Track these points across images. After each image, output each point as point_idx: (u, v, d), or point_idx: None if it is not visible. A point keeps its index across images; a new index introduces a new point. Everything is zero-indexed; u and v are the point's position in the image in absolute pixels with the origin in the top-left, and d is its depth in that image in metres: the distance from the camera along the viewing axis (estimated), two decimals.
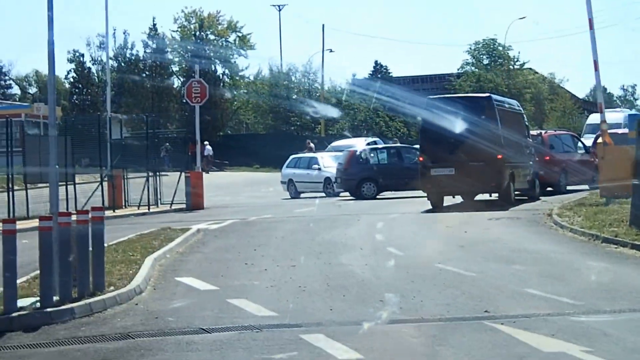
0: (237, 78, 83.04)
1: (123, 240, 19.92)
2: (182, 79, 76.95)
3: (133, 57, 77.73)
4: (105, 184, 33.28)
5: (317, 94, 79.02)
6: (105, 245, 14.85)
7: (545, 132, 34.40)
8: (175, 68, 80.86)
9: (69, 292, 12.78)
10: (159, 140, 39.31)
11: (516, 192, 28.33)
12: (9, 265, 12.26)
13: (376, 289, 13.62)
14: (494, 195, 28.27)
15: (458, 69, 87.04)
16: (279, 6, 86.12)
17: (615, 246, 17.48)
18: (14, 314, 12.02)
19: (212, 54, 79.25)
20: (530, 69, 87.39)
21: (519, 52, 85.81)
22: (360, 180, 35.20)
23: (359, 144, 43.37)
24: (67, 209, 27.28)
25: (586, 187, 31.96)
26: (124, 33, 78.12)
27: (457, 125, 26.43)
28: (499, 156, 26.55)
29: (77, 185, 32.00)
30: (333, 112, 72.15)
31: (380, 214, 26.50)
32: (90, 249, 13.57)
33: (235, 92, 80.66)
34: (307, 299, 13.00)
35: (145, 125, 36.38)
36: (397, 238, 20.15)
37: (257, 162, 67.38)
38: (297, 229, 22.96)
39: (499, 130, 26.76)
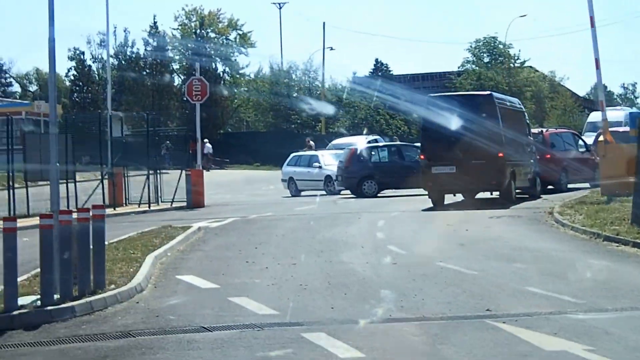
0: (238, 76, 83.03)
1: (124, 238, 19.91)
2: (182, 77, 76.97)
3: (133, 55, 77.74)
4: (105, 181, 33.27)
5: (318, 92, 78.97)
6: (106, 243, 14.82)
7: (547, 130, 34.38)
8: (175, 66, 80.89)
9: (69, 290, 12.76)
10: (160, 138, 39.31)
11: (517, 190, 28.29)
12: (9, 264, 12.24)
13: (377, 287, 13.61)
14: (495, 194, 28.27)
15: (459, 67, 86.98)
16: (279, 4, 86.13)
17: (617, 244, 17.44)
18: (15, 312, 12.01)
19: (212, 52, 79.25)
20: (531, 67, 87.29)
21: (519, 50, 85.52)
22: (361, 178, 35.19)
23: (360, 142, 43.33)
24: (68, 206, 27.25)
25: (587, 185, 31.96)
26: (124, 31, 78.29)
27: (458, 123, 26.42)
28: (500, 154, 26.54)
29: (77, 183, 31.97)
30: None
31: (381, 212, 26.48)
32: (91, 247, 13.55)
33: (235, 90, 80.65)
34: (308, 297, 12.98)
35: (146, 123, 36.35)
36: (398, 236, 20.13)
37: (258, 160, 67.36)
38: (297, 227, 22.94)
39: (500, 128, 26.73)
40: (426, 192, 28.27)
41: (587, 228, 19.31)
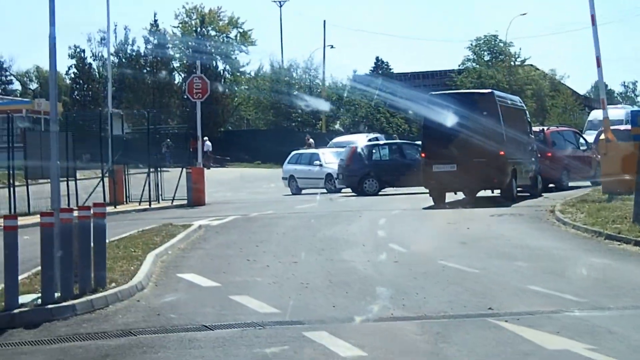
0: (238, 74, 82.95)
1: (124, 237, 19.87)
2: (183, 75, 76.94)
3: (134, 53, 77.68)
4: (106, 179, 33.26)
5: (319, 90, 78.92)
6: (107, 241, 14.78)
7: (548, 129, 34.35)
8: (176, 64, 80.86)
9: (70, 289, 12.72)
10: (160, 136, 39.27)
11: (518, 189, 28.26)
12: (10, 262, 12.21)
13: (379, 285, 13.55)
14: (496, 192, 28.22)
15: (459, 65, 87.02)
16: (279, 2, 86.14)
17: (619, 243, 17.41)
18: (16, 311, 11.97)
19: (213, 50, 79.17)
20: (532, 65, 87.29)
21: (520, 49, 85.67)
22: (362, 177, 35.19)
23: (361, 140, 43.31)
24: (69, 204, 27.28)
25: (588, 183, 31.94)
26: (124, 29, 78.15)
27: (459, 121, 26.39)
28: (501, 152, 26.52)
29: (78, 181, 31.98)
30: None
31: (382, 210, 26.45)
32: (92, 245, 13.52)
33: (236, 88, 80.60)
34: (309, 296, 12.96)
35: (147, 121, 36.32)
36: (399, 234, 20.10)
37: (258, 158, 67.32)
38: (298, 225, 22.91)
39: (501, 126, 26.71)
40: (427, 191, 28.22)
41: (588, 226, 19.28)
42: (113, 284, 13.61)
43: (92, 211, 13.80)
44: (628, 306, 11.74)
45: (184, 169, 33.97)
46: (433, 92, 30.21)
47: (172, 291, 13.88)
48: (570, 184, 32.01)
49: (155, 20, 79.38)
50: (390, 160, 35.95)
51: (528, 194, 29.25)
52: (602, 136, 27.34)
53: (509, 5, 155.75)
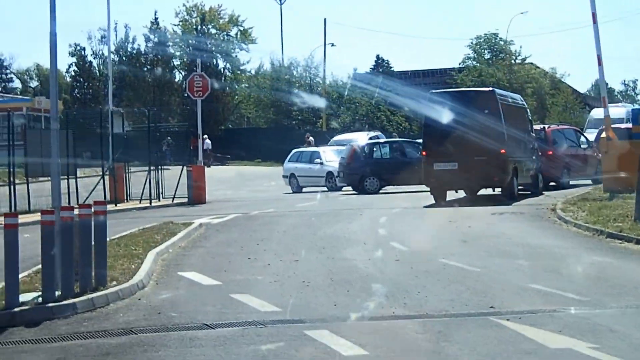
0: (239, 72, 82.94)
1: (125, 235, 19.85)
2: (183, 73, 76.95)
3: (134, 51, 77.74)
4: (107, 177, 33.23)
5: (319, 89, 78.89)
6: (108, 239, 14.75)
7: (549, 127, 34.32)
8: (176, 62, 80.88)
9: (71, 287, 12.70)
10: (161, 134, 39.24)
11: (519, 187, 28.23)
12: (10, 260, 12.18)
13: (380, 284, 13.53)
14: (497, 190, 28.18)
15: (459, 64, 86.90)
16: (280, 0, 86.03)
17: (620, 241, 17.39)
18: (16, 309, 11.94)
19: (213, 48, 79.16)
20: (532, 63, 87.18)
21: (520, 47, 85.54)
22: (363, 175, 35.15)
23: (361, 139, 43.27)
24: (69, 203, 27.26)
25: (589, 182, 31.90)
26: (125, 27, 78.32)
27: (460, 119, 26.35)
28: (502, 151, 26.48)
29: (78, 179, 31.95)
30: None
31: (383, 208, 26.41)
32: (93, 243, 13.49)
33: (236, 86, 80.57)
34: (310, 294, 12.93)
35: (147, 119, 36.28)
36: (400, 233, 20.07)
37: (259, 156, 67.28)
38: (299, 224, 22.89)
39: (502, 124, 26.67)
40: (428, 189, 28.18)
41: (590, 225, 19.25)
42: (114, 283, 13.59)
43: (92, 209, 13.78)
44: (630, 305, 11.71)
45: (185, 167, 33.93)
46: (434, 91, 30.18)
47: (173, 289, 13.85)
48: (571, 182, 31.96)
49: (156, 18, 79.57)
50: (391, 158, 35.92)
51: (529, 192, 29.23)
52: (603, 134, 27.30)
53: (509, 3, 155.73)
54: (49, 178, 14.74)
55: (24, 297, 12.35)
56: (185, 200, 33.00)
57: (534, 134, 30.51)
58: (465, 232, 19.67)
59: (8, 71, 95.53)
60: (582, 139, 34.44)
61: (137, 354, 9.93)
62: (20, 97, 75.45)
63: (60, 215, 12.90)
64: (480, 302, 11.90)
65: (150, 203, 32.89)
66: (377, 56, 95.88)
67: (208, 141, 61.02)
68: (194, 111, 39.67)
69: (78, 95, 77.38)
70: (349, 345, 9.80)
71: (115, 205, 31.42)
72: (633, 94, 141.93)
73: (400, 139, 43.60)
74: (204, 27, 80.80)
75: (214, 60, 77.35)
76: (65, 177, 29.14)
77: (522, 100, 32.14)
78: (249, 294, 12.92)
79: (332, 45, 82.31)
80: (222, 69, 79.94)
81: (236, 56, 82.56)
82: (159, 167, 34.65)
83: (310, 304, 12.22)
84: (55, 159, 13.89)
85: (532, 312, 11.20)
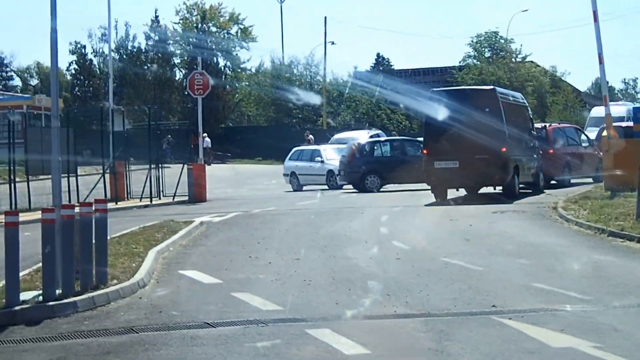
0: (239, 70, 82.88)
1: (126, 233, 19.81)
2: (184, 71, 76.90)
3: (135, 49, 77.73)
4: (107, 176, 33.19)
5: (319, 87, 78.84)
6: (108, 237, 14.72)
7: (550, 125, 34.29)
8: (177, 60, 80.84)
9: (71, 286, 12.67)
10: (161, 132, 39.21)
11: (520, 185, 28.19)
12: (11, 258, 12.15)
13: (382, 283, 13.50)
14: (498, 188, 28.13)
15: (460, 62, 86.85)
16: None
17: (622, 240, 17.36)
18: (17, 308, 11.91)
19: (214, 46, 79.12)
20: (532, 62, 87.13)
21: (521, 45, 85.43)
22: (364, 173, 35.07)
23: (362, 137, 43.21)
24: (70, 201, 27.21)
25: (590, 180, 31.88)
26: (125, 25, 78.32)
27: (461, 118, 26.30)
28: (503, 149, 26.44)
29: (79, 178, 31.90)
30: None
31: (384, 206, 26.35)
32: (94, 241, 13.45)
33: (237, 85, 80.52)
34: (312, 293, 12.89)
35: (148, 117, 36.26)
36: (401, 231, 20.03)
37: (259, 154, 67.21)
38: (300, 222, 22.85)
39: (503, 123, 26.62)
40: (429, 187, 28.15)
41: (591, 223, 19.22)
42: (114, 281, 13.55)
43: (93, 207, 13.75)
44: (632, 304, 11.69)
45: (185, 165, 33.89)
46: (435, 89, 30.11)
47: (174, 288, 13.83)
48: (572, 180, 31.93)
49: (156, 17, 79.50)
50: (391, 156, 35.87)
51: (530, 191, 29.18)
52: (604, 133, 27.26)
53: (509, 2, 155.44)
54: (50, 176, 14.70)
55: (24, 296, 12.32)
56: (186, 198, 32.96)
57: (534, 133, 30.45)
58: (467, 231, 19.63)
59: (8, 69, 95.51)
60: (583, 137, 34.40)
61: (138, 352, 9.90)
62: (21, 95, 75.43)
63: (61, 213, 12.87)
64: (483, 301, 11.87)
65: (151, 201, 32.85)
66: (378, 54, 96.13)
67: (208, 139, 60.93)
68: (194, 109, 39.69)
69: (78, 93, 77.37)
70: (351, 344, 9.76)
71: (116, 203, 31.38)
72: (633, 92, 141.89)
73: (401, 137, 43.51)
74: (204, 25, 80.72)
75: (215, 59, 77.31)
76: (66, 175, 29.09)
77: (523, 99, 32.08)
78: (250, 293, 12.89)
79: (333, 43, 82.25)
80: (222, 67, 79.91)
81: (236, 54, 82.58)
82: (160, 165, 34.61)
83: (312, 303, 12.18)
84: (56, 156, 13.85)
85: (534, 310, 11.17)
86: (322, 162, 39.00)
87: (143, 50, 77.84)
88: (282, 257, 16.43)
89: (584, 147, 33.37)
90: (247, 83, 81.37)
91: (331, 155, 39.05)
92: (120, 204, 31.73)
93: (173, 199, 33.43)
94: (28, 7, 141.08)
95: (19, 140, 30.68)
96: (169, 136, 47.34)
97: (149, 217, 24.73)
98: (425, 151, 27.98)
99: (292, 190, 39.31)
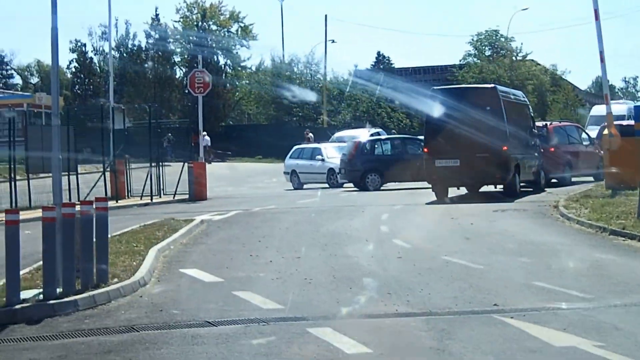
0: (239, 69, 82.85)
1: (126, 231, 19.78)
2: (184, 69, 76.88)
3: (135, 47, 77.74)
4: (107, 174, 33.15)
5: (320, 85, 78.82)
6: (109, 236, 14.69)
7: (550, 124, 34.26)
8: (177, 58, 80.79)
9: (72, 284, 12.64)
10: (162, 131, 39.18)
11: (521, 184, 28.15)
12: (11, 257, 12.12)
13: (383, 281, 13.47)
14: (499, 187, 28.09)
15: (460, 61, 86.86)
16: None
17: (623, 239, 17.32)
18: (17, 306, 11.88)
19: (214, 45, 79.09)
20: (533, 60, 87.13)
21: (521, 44, 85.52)
22: (365, 172, 35.02)
23: (363, 135, 43.17)
24: (70, 199, 27.18)
25: (591, 178, 31.86)
26: (125, 23, 78.26)
27: (462, 116, 26.26)
28: (504, 147, 26.40)
29: (79, 176, 31.87)
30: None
31: (385, 205, 26.32)
32: (94, 240, 13.42)
33: (237, 83, 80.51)
34: (313, 292, 12.87)
35: (148, 115, 36.23)
36: (402, 230, 20.00)
37: (260, 152, 67.18)
38: (301, 220, 22.82)
39: (504, 121, 26.58)
40: (430, 186, 28.12)
41: (593, 222, 19.18)
42: (115, 279, 13.53)
43: (94, 205, 13.72)
44: (634, 302, 11.65)
45: (186, 164, 33.86)
46: (435, 87, 30.07)
47: (175, 287, 13.81)
48: (573, 179, 31.91)
49: (157, 15, 79.48)
50: (392, 155, 35.81)
51: (531, 189, 29.15)
52: (605, 131, 27.24)
53: (510, 0, 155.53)
54: (50, 174, 14.68)
55: (25, 294, 12.29)
56: (186, 196, 32.95)
57: (535, 131, 30.42)
58: (468, 229, 19.60)
59: (9, 67, 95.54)
60: (584, 135, 34.38)
61: (139, 351, 9.87)
62: (21, 93, 75.42)
63: (61, 211, 12.84)
64: (484, 300, 11.84)
65: (151, 199, 32.83)
66: (378, 53, 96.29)
67: (207, 138, 60.87)
68: (194, 107, 39.64)
69: (79, 91, 77.35)
70: (352, 343, 9.74)
71: (116, 201, 31.35)
72: (634, 91, 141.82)
73: (402, 136, 43.44)
74: (204, 23, 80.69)
75: (215, 57, 77.27)
76: (66, 173, 29.06)
77: (524, 97, 32.04)
78: (251, 291, 12.86)
79: (333, 41, 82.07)
80: (222, 66, 79.86)
81: (237, 53, 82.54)
82: (160, 163, 34.59)
83: (313, 302, 12.16)
84: (57, 154, 13.82)
85: (536, 309, 11.15)
86: (323, 160, 38.97)
87: (143, 49, 77.85)
88: (282, 256, 16.40)
89: (584, 146, 33.35)
90: (247, 81, 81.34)
91: (332, 153, 39.01)
92: (121, 202, 31.71)
93: (173, 197, 33.41)
94: (28, 5, 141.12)
95: (20, 138, 30.64)
96: (170, 134, 47.26)
97: (150, 216, 24.71)
98: (426, 150, 27.93)
99: (292, 188, 39.27)
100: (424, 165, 27.80)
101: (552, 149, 31.48)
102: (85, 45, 78.62)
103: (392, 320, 10.95)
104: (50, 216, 12.62)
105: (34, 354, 10.07)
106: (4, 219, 12.55)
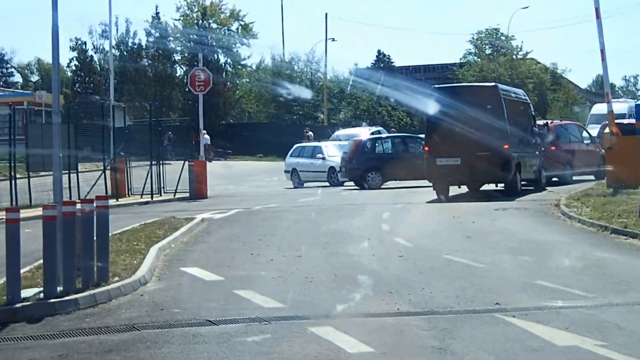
0: (240, 67, 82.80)
1: (127, 230, 19.76)
2: (184, 68, 76.84)
3: (135, 46, 77.71)
4: (108, 172, 33.12)
5: (320, 83, 78.79)
6: (110, 234, 14.66)
7: (551, 122, 34.23)
8: (177, 57, 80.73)
9: (73, 283, 12.61)
10: (162, 129, 39.15)
11: (522, 182, 28.11)
12: (12, 255, 12.09)
13: (384, 280, 13.44)
14: (500, 185, 28.06)
15: (460, 59, 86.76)
16: None
17: (625, 237, 17.28)
18: (18, 305, 11.85)
19: (214, 43, 79.02)
20: (533, 59, 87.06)
21: (522, 42, 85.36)
22: (366, 170, 34.97)
23: (364, 134, 43.14)
24: (70, 197, 27.16)
25: (592, 177, 31.82)
26: (126, 21, 78.21)
27: (463, 114, 26.23)
28: (506, 146, 26.36)
29: (80, 174, 31.85)
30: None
31: (386, 203, 26.30)
32: (95, 238, 13.39)
33: (237, 81, 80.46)
34: (314, 290, 12.83)
35: (149, 114, 36.20)
36: (403, 228, 19.97)
37: (260, 151, 67.16)
38: (302, 219, 22.79)
39: (505, 119, 26.54)
40: (430, 184, 28.10)
41: (594, 221, 19.14)
42: (116, 278, 13.50)
43: (94, 204, 13.69)
44: (636, 301, 11.62)
45: (186, 162, 33.83)
46: (436, 86, 30.04)
47: (176, 285, 13.77)
48: (574, 177, 31.88)
49: (157, 13, 79.40)
50: (393, 153, 35.77)
51: (532, 188, 29.10)
52: (607, 130, 27.21)
53: None
54: (50, 172, 14.65)
55: (25, 293, 12.27)
56: (187, 195, 32.93)
57: (536, 129, 30.38)
58: (469, 228, 19.57)
59: (9, 65, 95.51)
60: (585, 134, 34.35)
61: (140, 350, 9.84)
62: (21, 91, 75.41)
63: (62, 210, 12.81)
64: (486, 299, 11.80)
65: (152, 198, 32.81)
66: (379, 51, 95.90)
67: (207, 136, 60.75)
68: (195, 106, 39.59)
69: (79, 89, 77.33)
70: (354, 342, 9.70)
71: (117, 200, 31.32)
72: (634, 89, 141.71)
73: (403, 134, 43.36)
74: (205, 21, 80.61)
75: (215, 55, 77.21)
76: (67, 171, 29.04)
77: (525, 96, 31.98)
78: (252, 290, 12.83)
79: (333, 40, 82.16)
80: (223, 64, 79.80)
81: (237, 51, 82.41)
82: (161, 161, 34.57)
83: (314, 300, 12.12)
84: (57, 153, 13.78)
85: (538, 308, 11.11)
86: (324, 159, 38.93)
87: (144, 47, 77.82)
88: (283, 254, 16.37)
89: (585, 144, 33.32)
90: (247, 80, 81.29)
91: (332, 152, 38.97)
92: (121, 201, 31.69)
93: (174, 196, 33.39)
94: (29, 3, 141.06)
95: (20, 136, 30.61)
96: (170, 132, 47.20)
97: (150, 214, 24.68)
98: (426, 148, 27.89)
99: (293, 187, 39.23)
100: (424, 164, 27.76)
101: (553, 148, 31.45)
102: (85, 43, 78.71)
103: (394, 319, 10.92)
104: (51, 214, 12.59)
105: (35, 353, 10.04)
106: (4, 217, 12.52)
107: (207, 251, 17.46)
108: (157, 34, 78.14)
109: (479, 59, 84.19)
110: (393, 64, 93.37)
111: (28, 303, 11.98)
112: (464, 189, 28.98)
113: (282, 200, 29.62)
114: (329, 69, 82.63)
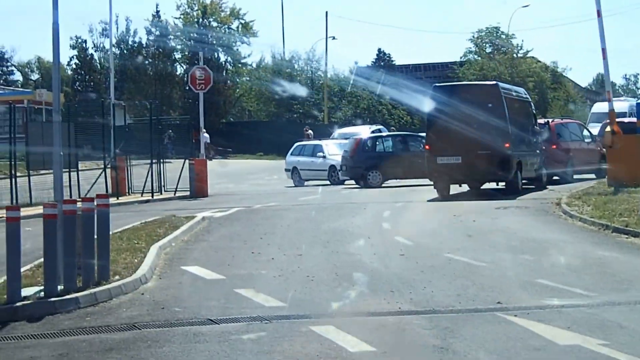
0: (240, 65, 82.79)
1: (127, 228, 19.74)
2: (185, 66, 76.82)
3: (136, 44, 77.71)
4: (108, 170, 33.10)
5: (320, 82, 78.77)
6: (110, 233, 14.63)
7: (552, 121, 34.19)
8: (178, 55, 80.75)
9: (73, 281, 12.59)
10: (162, 127, 39.13)
11: (523, 181, 28.08)
12: (12, 254, 12.07)
13: (385, 279, 13.42)
14: (501, 184, 28.04)
15: (461, 58, 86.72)
16: None
17: (626, 236, 17.24)
18: (18, 304, 11.84)
19: (214, 41, 79.01)
20: (533, 57, 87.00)
21: (522, 41, 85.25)
22: (366, 169, 34.94)
23: (364, 132, 43.11)
24: (71, 195, 27.13)
25: (593, 176, 31.80)
26: (126, 20, 78.22)
27: (464, 113, 26.19)
28: (506, 145, 26.34)
29: (80, 173, 31.82)
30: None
31: (386, 202, 26.27)
32: (95, 237, 13.37)
33: (238, 80, 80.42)
34: (315, 289, 12.81)
35: (149, 112, 36.17)
36: (404, 227, 19.95)
37: (261, 149, 67.14)
38: (302, 217, 22.76)
39: (506, 118, 26.51)
40: (431, 183, 28.07)
41: (595, 219, 19.10)
42: (117, 277, 13.48)
43: (95, 202, 13.67)
44: (638, 300, 11.61)
45: (187, 160, 33.80)
46: (437, 84, 30.02)
47: (176, 284, 13.76)
48: (575, 176, 31.85)
49: (157, 11, 79.44)
50: (394, 152, 35.74)
51: (533, 187, 29.07)
52: (608, 128, 27.18)
53: None
54: (50, 171, 14.63)
55: (26, 292, 12.25)
56: (187, 193, 32.88)
57: (537, 128, 30.35)
58: (470, 227, 19.55)
59: (9, 64, 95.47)
60: (586, 133, 34.32)
61: (141, 349, 9.82)
62: (21, 89, 75.39)
63: (62, 208, 12.78)
64: (487, 298, 11.78)
65: (152, 196, 32.79)
66: (379, 50, 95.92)
67: (206, 135, 60.63)
68: (195, 104, 39.57)
69: (79, 88, 77.33)
70: (355, 341, 9.68)
71: (117, 198, 31.27)
72: (634, 88, 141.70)
73: (403, 133, 43.36)
74: (205, 20, 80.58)
75: (216, 54, 77.23)
76: (67, 169, 28.99)
77: (525, 94, 31.98)
78: (252, 289, 12.81)
79: (334, 38, 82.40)
80: (223, 62, 79.81)
81: (237, 49, 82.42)
82: (161, 160, 34.54)
83: (315, 299, 12.10)
84: (58, 151, 13.76)
85: (540, 307, 11.09)
86: (324, 157, 38.90)
87: (144, 45, 77.82)
88: (284, 253, 16.34)
89: (586, 143, 33.29)
90: (248, 78, 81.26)
91: (333, 150, 38.94)
92: (122, 199, 31.64)
93: (174, 194, 33.35)
94: (29, 2, 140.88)
95: (20, 134, 30.57)
96: (170, 131, 47.20)
97: (151, 212, 24.65)
98: (427, 147, 27.86)
99: (293, 185, 39.21)
100: (425, 163, 27.72)
101: (554, 146, 31.42)
102: (85, 41, 78.74)
103: (395, 318, 10.89)
104: (52, 213, 12.57)
105: (35, 352, 10.01)
106: (4, 215, 12.49)
107: (208, 250, 17.44)
108: (157, 33, 78.14)
109: (480, 58, 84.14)
110: (393, 62, 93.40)
111: (28, 302, 11.97)
112: (465, 187, 28.96)
113: (283, 199, 29.59)
114: (330, 67, 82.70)
